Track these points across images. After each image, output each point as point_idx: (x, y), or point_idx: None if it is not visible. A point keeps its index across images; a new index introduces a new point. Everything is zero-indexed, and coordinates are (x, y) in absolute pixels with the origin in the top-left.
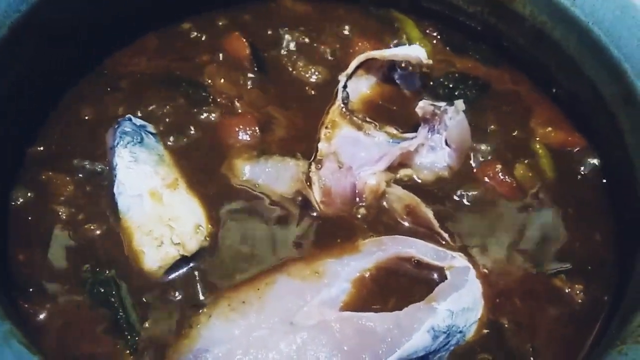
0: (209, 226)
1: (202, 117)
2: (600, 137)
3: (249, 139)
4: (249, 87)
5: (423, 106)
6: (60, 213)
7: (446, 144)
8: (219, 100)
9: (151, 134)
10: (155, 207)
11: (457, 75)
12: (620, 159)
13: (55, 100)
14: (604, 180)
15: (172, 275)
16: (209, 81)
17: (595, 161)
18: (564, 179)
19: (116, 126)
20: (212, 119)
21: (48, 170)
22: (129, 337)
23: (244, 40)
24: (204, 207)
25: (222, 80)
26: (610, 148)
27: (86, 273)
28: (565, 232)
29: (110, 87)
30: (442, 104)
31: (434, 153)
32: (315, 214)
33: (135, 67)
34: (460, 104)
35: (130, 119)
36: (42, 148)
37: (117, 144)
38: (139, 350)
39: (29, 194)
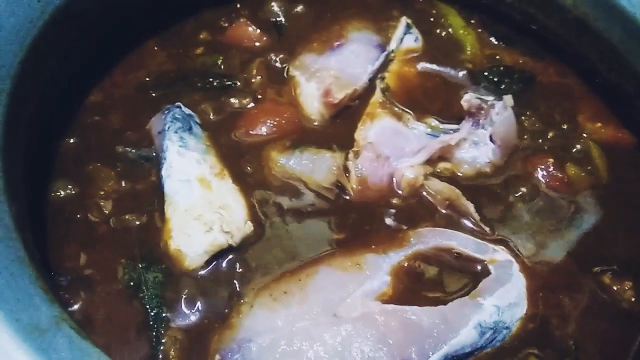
0: (252, 218)
1: (236, 107)
2: None
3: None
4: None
5: (469, 99)
6: (100, 203)
7: (491, 139)
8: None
9: (198, 124)
10: (205, 193)
11: (502, 68)
12: None
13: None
14: None
15: (210, 267)
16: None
17: None
18: (616, 178)
19: (166, 111)
20: (247, 108)
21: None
22: (154, 332)
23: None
24: (246, 199)
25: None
26: None
27: (124, 265)
28: (613, 232)
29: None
30: (490, 98)
31: (476, 148)
32: (350, 200)
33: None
34: (509, 99)
35: (180, 107)
36: (74, 140)
37: (168, 128)
38: (169, 343)
39: (69, 186)
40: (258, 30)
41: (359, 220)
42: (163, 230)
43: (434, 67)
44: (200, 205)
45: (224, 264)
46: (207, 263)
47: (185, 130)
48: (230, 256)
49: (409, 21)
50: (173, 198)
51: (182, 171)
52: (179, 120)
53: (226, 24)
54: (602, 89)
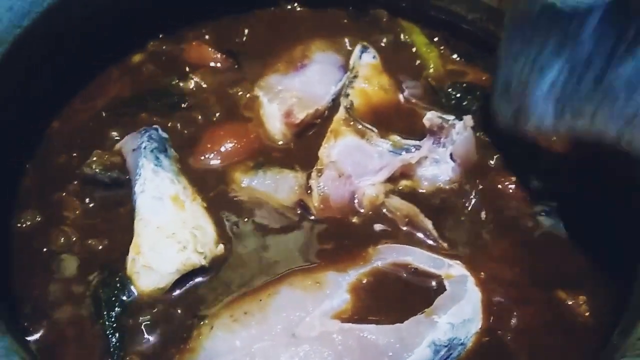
0: (219, 240)
1: (196, 127)
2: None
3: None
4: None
5: (431, 118)
6: (64, 229)
7: (451, 157)
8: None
9: (171, 147)
10: (178, 213)
11: (464, 85)
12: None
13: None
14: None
15: (174, 288)
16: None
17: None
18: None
19: (143, 131)
20: (210, 128)
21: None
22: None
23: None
24: (213, 220)
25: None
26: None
27: (87, 291)
28: (568, 246)
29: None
30: (451, 117)
31: (437, 166)
32: (313, 218)
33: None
34: (469, 119)
35: (157, 129)
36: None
37: (145, 147)
38: None
39: (33, 216)
40: (217, 54)
41: (321, 239)
42: (131, 247)
43: (397, 84)
44: (173, 224)
45: (187, 285)
46: (174, 284)
47: (160, 152)
48: (197, 279)
49: (365, 43)
50: (144, 214)
51: (156, 188)
52: (156, 141)
53: (182, 46)
54: None
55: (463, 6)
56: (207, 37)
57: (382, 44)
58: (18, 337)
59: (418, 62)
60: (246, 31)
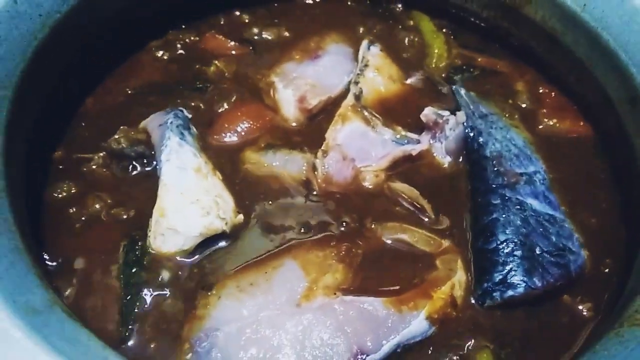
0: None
1: (215, 109)
2: (609, 139)
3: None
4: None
5: (427, 114)
6: (92, 199)
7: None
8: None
9: (193, 126)
10: (201, 182)
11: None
12: (627, 159)
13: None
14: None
15: (196, 255)
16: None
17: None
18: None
19: (169, 110)
20: (227, 109)
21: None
22: (127, 318)
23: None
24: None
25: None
26: (618, 149)
27: (114, 254)
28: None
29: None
30: (446, 113)
31: (434, 158)
32: (315, 193)
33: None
34: (461, 115)
35: (182, 110)
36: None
37: (170, 122)
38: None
39: (64, 186)
40: (234, 43)
41: (325, 214)
42: (154, 209)
43: (405, 75)
44: (197, 191)
45: (206, 251)
46: (194, 249)
47: (185, 128)
48: (217, 245)
49: (371, 38)
50: (168, 181)
51: (180, 159)
52: (181, 119)
53: (201, 36)
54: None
55: (478, 3)
56: (225, 27)
57: (395, 37)
58: (56, 292)
59: (424, 52)
60: (264, 22)
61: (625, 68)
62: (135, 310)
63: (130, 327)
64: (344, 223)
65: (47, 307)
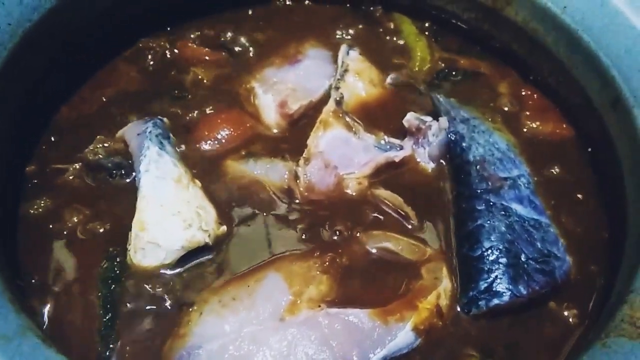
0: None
1: (191, 118)
2: (592, 141)
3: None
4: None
5: (410, 119)
6: (68, 213)
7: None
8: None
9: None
10: (182, 192)
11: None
12: (610, 161)
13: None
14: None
15: (177, 269)
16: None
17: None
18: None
19: (147, 119)
20: (205, 116)
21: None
22: (107, 339)
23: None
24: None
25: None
26: (600, 152)
27: (91, 269)
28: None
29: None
30: (428, 118)
31: (418, 164)
32: (297, 202)
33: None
34: (443, 121)
35: (161, 119)
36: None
37: (150, 131)
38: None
39: (40, 200)
40: (208, 50)
41: (307, 224)
42: (133, 223)
43: (385, 79)
44: (178, 203)
45: (188, 264)
46: (176, 263)
47: (164, 137)
48: (199, 258)
49: (350, 42)
50: (148, 193)
51: (159, 169)
52: (160, 128)
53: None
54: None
55: (459, 5)
56: (206, 31)
57: (375, 40)
58: (30, 315)
59: (407, 56)
60: (243, 27)
61: (606, 70)
62: (116, 328)
63: (110, 346)
64: (328, 232)
65: (19, 334)
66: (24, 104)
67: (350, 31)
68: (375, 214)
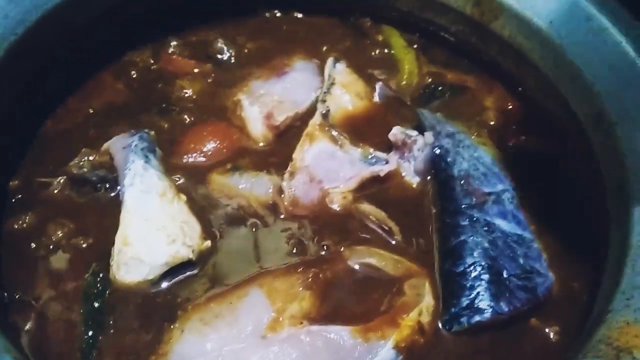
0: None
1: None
2: (576, 156)
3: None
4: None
5: (395, 133)
6: (51, 228)
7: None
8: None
9: (158, 148)
10: (167, 206)
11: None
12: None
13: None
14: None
15: (161, 285)
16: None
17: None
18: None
19: (133, 132)
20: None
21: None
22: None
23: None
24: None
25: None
26: (584, 167)
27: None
28: None
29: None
30: (414, 133)
31: (403, 178)
32: (282, 217)
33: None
34: (429, 136)
35: (147, 132)
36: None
37: (135, 145)
38: None
39: (22, 216)
40: (194, 62)
41: (291, 240)
42: (117, 237)
43: (372, 92)
44: (162, 217)
45: (172, 280)
46: (159, 278)
47: (150, 151)
48: (182, 274)
49: (336, 55)
50: (132, 207)
51: (144, 183)
52: (145, 141)
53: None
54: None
55: (447, 18)
56: (193, 43)
57: (363, 52)
58: (11, 336)
59: (395, 69)
60: (230, 39)
61: (590, 86)
62: (97, 345)
63: None
64: (312, 248)
65: None
66: (7, 119)
67: (338, 43)
68: (360, 229)
